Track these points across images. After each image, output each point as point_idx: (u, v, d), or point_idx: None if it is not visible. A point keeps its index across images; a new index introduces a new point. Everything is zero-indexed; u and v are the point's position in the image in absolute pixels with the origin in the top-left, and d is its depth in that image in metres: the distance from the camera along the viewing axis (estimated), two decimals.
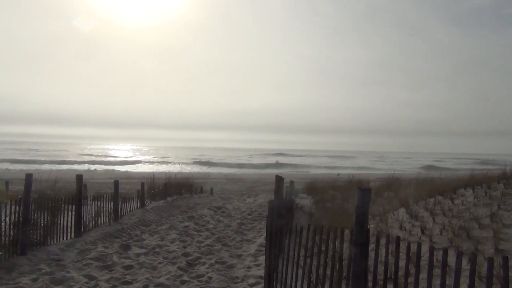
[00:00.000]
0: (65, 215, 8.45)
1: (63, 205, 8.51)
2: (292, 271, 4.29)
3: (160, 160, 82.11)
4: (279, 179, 8.74)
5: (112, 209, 10.44)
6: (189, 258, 7.46)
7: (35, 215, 7.38)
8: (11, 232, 6.71)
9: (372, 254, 3.46)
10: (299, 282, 4.24)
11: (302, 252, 4.27)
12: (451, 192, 8.41)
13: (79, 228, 8.71)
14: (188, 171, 37.52)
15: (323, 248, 4.06)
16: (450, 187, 8.79)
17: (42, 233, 7.54)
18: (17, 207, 6.90)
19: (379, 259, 3.34)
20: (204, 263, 7.19)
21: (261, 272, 6.26)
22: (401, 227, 7.10)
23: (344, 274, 3.74)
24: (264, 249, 6.67)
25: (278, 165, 72.63)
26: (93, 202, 10.14)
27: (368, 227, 3.34)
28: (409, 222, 7.23)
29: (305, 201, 14.86)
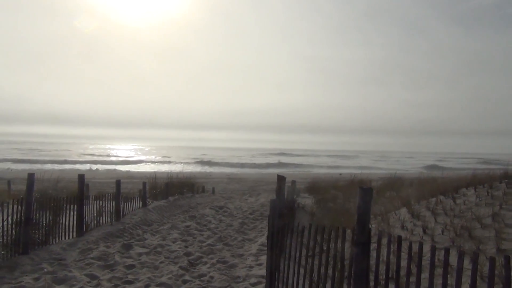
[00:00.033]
0: (67, 215, 8.47)
1: (65, 205, 8.53)
2: (294, 270, 4.29)
3: (161, 159, 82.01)
4: (280, 178, 8.75)
5: (114, 208, 10.46)
6: (191, 257, 7.47)
7: (37, 214, 7.39)
8: (13, 231, 6.72)
9: (373, 254, 3.46)
10: (300, 282, 4.24)
11: (304, 251, 4.27)
12: (453, 192, 8.39)
13: (81, 227, 8.73)
14: (189, 170, 37.54)
15: (324, 248, 4.06)
16: (452, 186, 8.76)
17: (44, 232, 7.56)
18: (19, 207, 6.92)
19: (380, 259, 3.34)
20: (205, 263, 7.20)
21: (263, 271, 6.26)
22: (402, 227, 7.09)
23: (345, 273, 3.73)
24: (265, 248, 6.67)
25: (279, 164, 72.57)
26: (95, 202, 10.16)
27: (370, 226, 3.34)
28: (410, 222, 7.22)
29: (306, 200, 14.85)
